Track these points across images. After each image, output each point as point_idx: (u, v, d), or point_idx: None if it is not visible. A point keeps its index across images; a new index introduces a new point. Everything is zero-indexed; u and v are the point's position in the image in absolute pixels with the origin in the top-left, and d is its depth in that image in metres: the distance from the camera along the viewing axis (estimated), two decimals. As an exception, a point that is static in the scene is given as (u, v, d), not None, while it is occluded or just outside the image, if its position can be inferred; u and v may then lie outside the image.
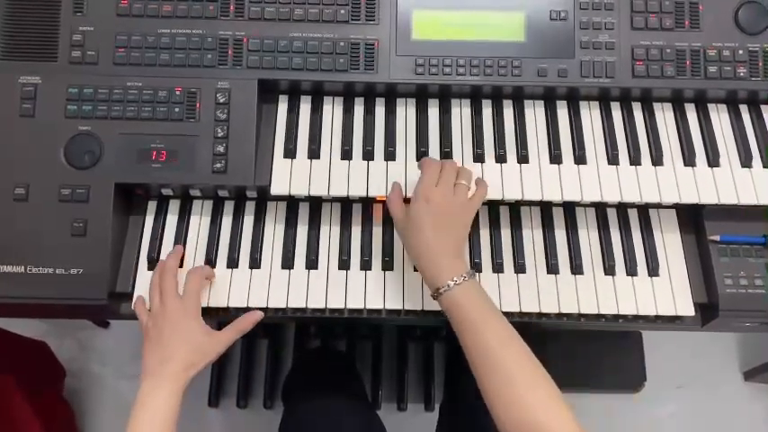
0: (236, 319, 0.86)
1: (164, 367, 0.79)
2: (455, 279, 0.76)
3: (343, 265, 0.89)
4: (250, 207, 0.93)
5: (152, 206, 0.92)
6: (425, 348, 1.54)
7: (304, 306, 0.87)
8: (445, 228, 0.80)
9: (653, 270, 0.90)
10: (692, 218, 0.93)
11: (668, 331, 0.92)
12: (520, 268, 0.90)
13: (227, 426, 1.53)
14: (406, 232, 0.82)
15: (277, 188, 0.88)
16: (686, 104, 0.95)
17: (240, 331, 0.85)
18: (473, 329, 0.75)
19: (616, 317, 0.89)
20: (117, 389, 1.57)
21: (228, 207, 0.93)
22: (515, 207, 0.93)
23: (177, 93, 0.88)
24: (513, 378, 0.71)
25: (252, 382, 1.54)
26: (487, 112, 0.94)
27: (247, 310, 0.87)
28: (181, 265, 0.89)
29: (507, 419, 0.70)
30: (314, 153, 0.90)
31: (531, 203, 0.93)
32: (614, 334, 1.48)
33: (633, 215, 0.94)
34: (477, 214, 0.92)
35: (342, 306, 0.87)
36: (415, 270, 0.89)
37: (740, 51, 0.91)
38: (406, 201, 0.85)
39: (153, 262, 0.89)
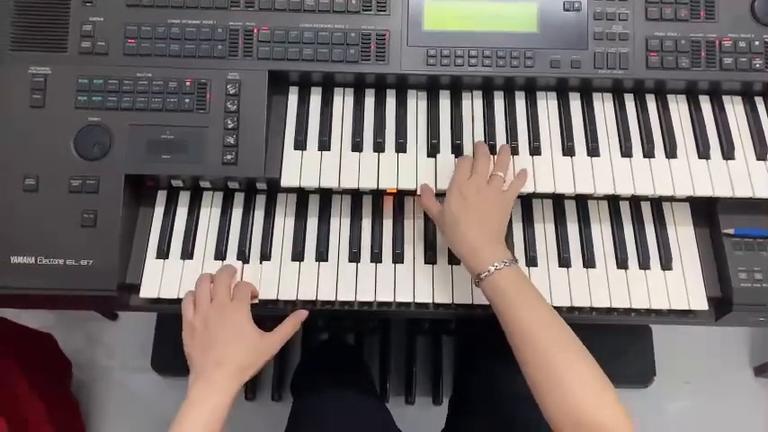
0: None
1: (218, 370, 0.77)
2: (496, 264, 0.76)
3: (354, 257, 0.89)
4: (260, 199, 0.93)
5: (162, 198, 0.92)
6: (434, 342, 1.54)
7: (314, 299, 0.87)
8: (482, 218, 0.81)
9: (666, 264, 0.89)
10: (705, 211, 0.93)
11: (678, 326, 0.91)
12: (531, 261, 0.89)
13: (235, 418, 1.49)
14: (444, 227, 0.83)
15: (287, 180, 0.88)
16: (701, 96, 0.94)
17: (290, 333, 0.84)
18: (515, 314, 0.74)
19: (628, 311, 0.88)
20: (123, 381, 1.57)
21: (239, 199, 0.93)
22: (527, 199, 0.93)
23: (187, 84, 0.87)
24: (556, 362, 0.71)
25: (260, 375, 1.53)
26: (499, 103, 0.93)
27: (257, 303, 0.86)
28: (191, 257, 0.89)
29: (550, 402, 0.70)
30: (324, 145, 0.90)
31: (543, 196, 0.93)
32: (624, 328, 1.47)
33: (646, 208, 0.93)
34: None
35: (352, 299, 0.87)
36: (426, 263, 0.88)
37: (756, 42, 0.90)
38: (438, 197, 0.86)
39: (162, 253, 0.89)
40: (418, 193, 0.88)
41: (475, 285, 0.80)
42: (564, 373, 0.70)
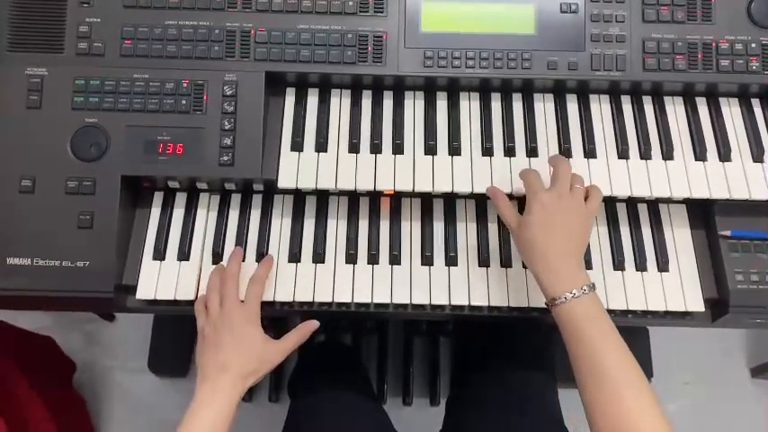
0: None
1: (222, 374, 0.78)
2: (574, 292, 0.73)
3: (351, 259, 0.89)
4: (257, 200, 0.93)
5: (158, 199, 0.92)
6: (431, 343, 1.55)
7: (311, 300, 0.87)
8: (564, 237, 0.77)
9: (663, 265, 0.89)
10: (702, 213, 0.93)
11: (676, 327, 0.92)
12: (528, 263, 0.89)
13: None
14: (522, 240, 0.79)
15: (284, 181, 0.88)
16: (697, 98, 0.94)
17: (299, 340, 0.85)
18: (588, 347, 0.72)
19: (625, 312, 0.88)
20: (122, 382, 1.58)
21: (235, 200, 0.93)
22: (524, 201, 0.93)
23: (184, 85, 0.87)
24: (621, 395, 0.69)
25: (258, 376, 1.55)
26: (497, 105, 0.93)
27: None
28: (188, 258, 0.89)
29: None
30: (321, 146, 0.90)
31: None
32: (621, 329, 1.47)
33: (643, 210, 0.93)
34: (488, 211, 0.92)
35: (349, 300, 0.87)
36: (423, 264, 0.89)
37: (753, 45, 0.90)
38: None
39: (159, 255, 0.88)
40: (488, 195, 0.85)
41: (546, 306, 0.77)
42: (623, 389, 0.69)
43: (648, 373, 1.52)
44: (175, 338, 1.52)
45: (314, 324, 0.86)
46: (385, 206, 0.93)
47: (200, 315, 0.84)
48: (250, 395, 1.54)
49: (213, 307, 0.82)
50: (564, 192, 0.79)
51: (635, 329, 1.52)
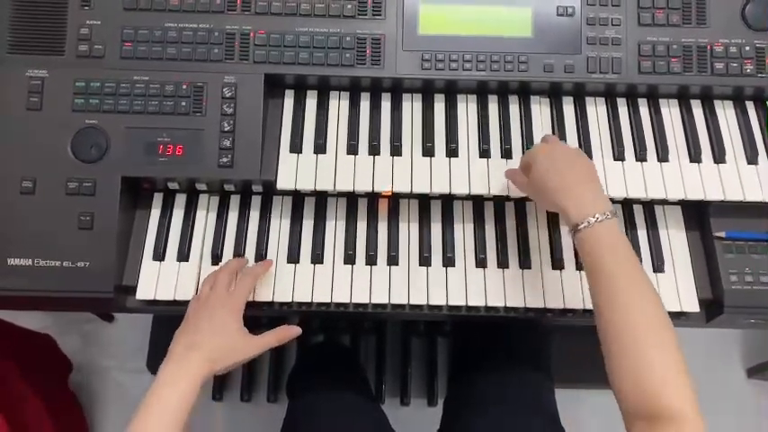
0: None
1: (190, 353, 0.77)
2: (597, 216, 0.72)
3: (349, 259, 0.90)
4: (256, 201, 0.94)
5: (158, 200, 0.92)
6: (429, 344, 1.55)
7: (309, 300, 0.88)
8: (574, 166, 0.78)
9: (658, 266, 0.90)
10: (697, 214, 0.94)
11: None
12: (525, 264, 0.90)
13: (231, 419, 1.54)
14: (537, 182, 0.79)
15: (283, 183, 0.89)
16: (692, 101, 0.95)
17: (278, 340, 0.83)
18: (610, 278, 0.70)
19: (621, 313, 0.89)
20: (120, 382, 1.57)
21: (234, 201, 0.93)
22: (521, 202, 0.94)
23: (184, 87, 0.88)
24: (648, 345, 0.67)
25: (255, 376, 1.56)
26: (494, 107, 0.94)
27: (253, 304, 0.87)
28: (187, 259, 0.89)
29: (626, 376, 0.67)
30: (320, 148, 0.91)
31: (536, 199, 0.93)
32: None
33: (638, 211, 0.94)
34: (485, 212, 0.93)
35: (347, 300, 0.88)
36: (421, 265, 0.89)
37: (747, 48, 0.91)
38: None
39: (158, 255, 0.89)
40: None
41: (569, 235, 0.76)
42: (655, 359, 0.66)
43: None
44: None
45: (295, 330, 0.84)
46: (383, 207, 0.93)
47: (192, 297, 0.84)
48: (249, 396, 1.54)
49: (203, 291, 0.83)
50: (558, 142, 0.84)
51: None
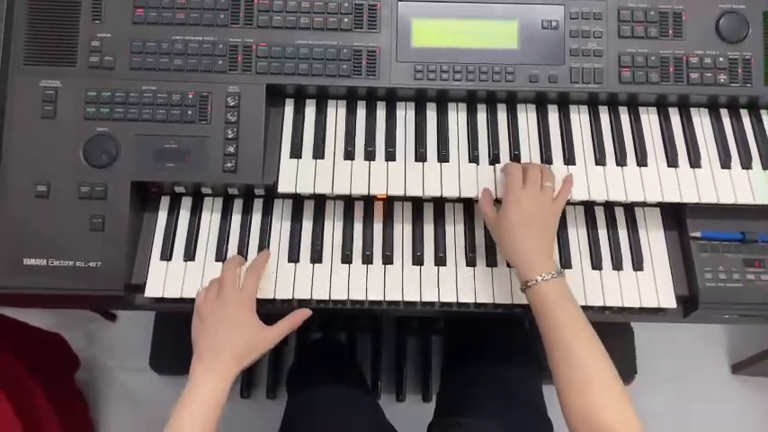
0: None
1: (217, 358, 0.81)
2: (543, 275, 0.81)
3: (346, 259, 0.94)
4: (258, 204, 0.97)
5: (165, 203, 0.96)
6: (423, 341, 1.58)
7: (309, 297, 0.91)
8: (535, 229, 0.85)
9: (637, 265, 0.94)
10: (674, 215, 0.97)
11: (657, 325, 0.96)
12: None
13: (230, 415, 1.51)
14: (499, 231, 0.88)
15: (284, 186, 0.92)
16: (670, 109, 0.99)
17: (291, 327, 0.87)
18: (555, 325, 0.79)
19: (602, 308, 0.93)
20: (123, 381, 1.59)
21: (238, 204, 0.97)
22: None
23: (190, 96, 0.92)
24: (589, 378, 0.75)
25: (255, 373, 1.58)
26: (482, 115, 0.98)
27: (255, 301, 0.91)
28: (193, 259, 0.93)
29: (577, 414, 0.75)
30: (318, 153, 0.94)
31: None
32: (605, 328, 1.51)
33: (619, 213, 0.98)
34: (475, 214, 0.97)
35: (345, 297, 0.92)
36: (414, 264, 0.94)
37: (721, 59, 0.95)
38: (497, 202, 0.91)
39: (166, 255, 0.93)
40: (477, 197, 0.91)
41: (521, 291, 0.84)
42: (591, 372, 0.75)
43: (632, 370, 1.55)
44: (177, 337, 1.51)
45: (306, 312, 0.89)
46: (378, 210, 0.97)
47: (199, 296, 0.87)
48: (249, 392, 1.56)
49: (212, 292, 0.86)
50: (535, 191, 0.87)
51: (620, 328, 1.55)
